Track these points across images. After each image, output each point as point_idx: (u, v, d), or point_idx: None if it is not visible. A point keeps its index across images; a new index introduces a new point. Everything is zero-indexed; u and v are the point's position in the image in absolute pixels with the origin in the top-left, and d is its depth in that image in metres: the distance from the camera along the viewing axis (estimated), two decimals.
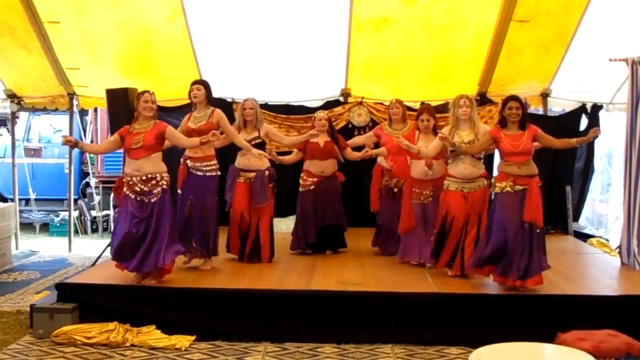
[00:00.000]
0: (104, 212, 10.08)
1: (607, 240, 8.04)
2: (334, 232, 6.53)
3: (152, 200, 5.13)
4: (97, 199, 9.98)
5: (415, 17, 7.26)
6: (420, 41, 7.54)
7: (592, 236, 8.22)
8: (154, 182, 5.14)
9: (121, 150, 8.59)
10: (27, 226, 10.19)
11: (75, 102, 8.53)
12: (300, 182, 6.48)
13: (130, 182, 5.13)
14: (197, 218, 5.69)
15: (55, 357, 4.58)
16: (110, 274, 5.49)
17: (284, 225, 7.76)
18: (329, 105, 8.21)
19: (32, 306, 5.08)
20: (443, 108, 7.48)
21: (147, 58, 7.79)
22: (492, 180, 5.25)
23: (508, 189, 5.02)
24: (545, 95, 8.31)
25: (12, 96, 8.55)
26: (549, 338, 4.27)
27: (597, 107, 8.30)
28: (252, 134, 6.04)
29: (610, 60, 6.32)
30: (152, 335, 4.86)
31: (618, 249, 6.70)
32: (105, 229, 10.07)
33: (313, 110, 7.86)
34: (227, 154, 6.42)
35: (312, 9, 7.25)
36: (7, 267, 7.54)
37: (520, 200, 4.99)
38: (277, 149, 7.00)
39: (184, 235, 5.65)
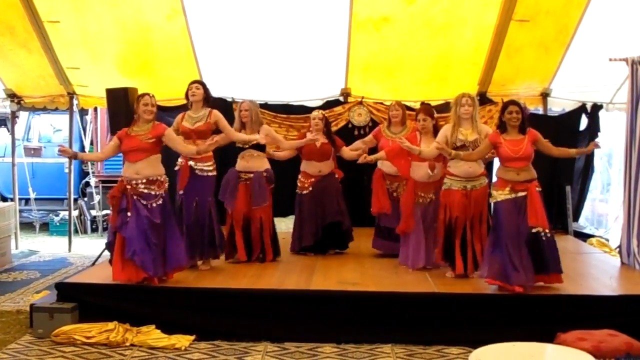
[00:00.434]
0: (104, 212, 10.05)
1: (607, 240, 8.04)
2: (336, 230, 6.49)
3: (158, 203, 5.13)
4: (97, 198, 9.98)
5: (416, 16, 7.26)
6: (420, 40, 7.53)
7: (592, 236, 8.22)
8: (157, 184, 5.14)
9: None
10: (27, 226, 10.20)
11: (75, 102, 8.53)
12: (298, 184, 6.48)
13: (134, 185, 5.10)
14: (205, 219, 5.71)
15: (55, 356, 4.58)
16: (110, 274, 5.47)
17: (284, 225, 7.76)
18: (329, 104, 8.20)
19: (32, 306, 5.08)
20: (443, 108, 7.49)
21: (147, 57, 7.78)
22: (491, 187, 5.24)
23: (507, 196, 5.02)
24: (545, 95, 8.31)
25: (12, 96, 8.55)
26: (549, 338, 4.27)
27: (597, 107, 8.31)
28: (250, 135, 6.02)
29: (610, 60, 6.32)
30: (152, 335, 4.86)
31: (618, 249, 6.70)
32: (105, 229, 10.05)
33: (313, 110, 7.86)
34: (228, 153, 6.43)
35: (312, 8, 7.25)
36: (7, 266, 7.54)
37: (520, 207, 4.99)
38: (277, 149, 7.00)
39: (196, 237, 5.69)
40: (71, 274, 6.77)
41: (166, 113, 7.21)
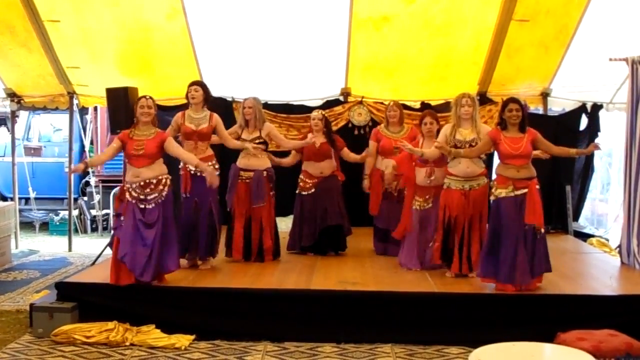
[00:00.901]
0: (104, 211, 10.07)
1: (607, 239, 8.04)
2: (335, 233, 6.47)
3: (152, 206, 5.12)
4: (97, 198, 9.98)
5: (416, 16, 7.25)
6: (420, 40, 7.53)
7: (592, 236, 8.22)
8: (152, 186, 5.13)
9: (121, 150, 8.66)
10: (27, 225, 10.19)
11: (75, 101, 8.53)
12: (301, 184, 6.45)
13: (131, 189, 5.11)
14: (203, 220, 5.71)
15: (54, 356, 4.58)
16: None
17: (284, 225, 7.75)
18: (329, 104, 8.20)
19: (31, 305, 5.08)
20: (443, 108, 7.50)
21: (147, 57, 7.78)
22: (492, 184, 5.24)
23: (510, 194, 5.01)
24: (545, 95, 8.31)
25: (12, 95, 8.55)
26: (549, 338, 4.26)
27: (597, 107, 8.30)
28: (253, 133, 6.05)
29: (610, 59, 6.32)
30: (152, 334, 4.86)
31: (618, 249, 6.70)
32: (105, 228, 10.07)
33: (313, 109, 7.85)
34: (228, 153, 6.43)
35: (312, 8, 7.24)
36: (6, 266, 7.54)
37: (520, 205, 4.99)
38: (277, 148, 7.01)
39: (191, 238, 5.71)
40: (71, 273, 6.78)
41: (166, 113, 7.19)
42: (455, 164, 5.44)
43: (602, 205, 9.56)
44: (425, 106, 8.01)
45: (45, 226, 10.31)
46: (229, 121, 6.64)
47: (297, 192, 6.49)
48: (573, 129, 8.36)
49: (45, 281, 6.76)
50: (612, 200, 9.24)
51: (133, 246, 5.03)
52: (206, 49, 7.70)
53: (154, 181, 5.13)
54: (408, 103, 8.03)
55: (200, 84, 5.91)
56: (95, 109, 9.98)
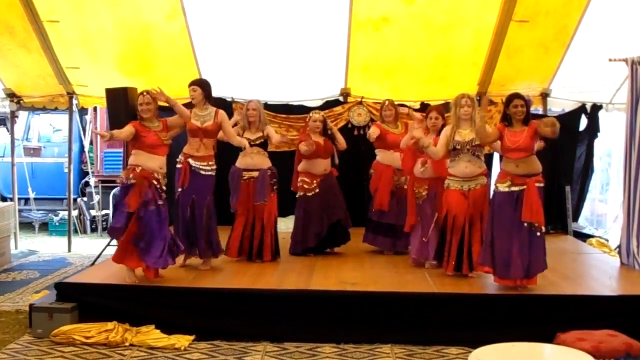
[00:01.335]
0: (104, 212, 10.06)
1: (607, 240, 8.04)
2: (337, 228, 6.50)
3: (164, 199, 5.31)
4: (96, 198, 9.97)
5: (415, 16, 7.26)
6: (420, 41, 7.54)
7: (592, 236, 8.22)
8: (165, 181, 5.34)
9: (120, 150, 8.67)
10: (26, 225, 10.18)
11: (74, 102, 8.53)
12: (304, 186, 6.40)
13: (157, 177, 5.26)
14: (202, 218, 5.72)
15: (54, 356, 4.58)
16: (110, 274, 5.49)
17: (284, 225, 7.76)
18: (329, 104, 8.20)
19: (31, 306, 5.07)
20: (443, 108, 7.48)
21: (147, 57, 7.78)
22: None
23: (505, 188, 5.05)
24: (545, 95, 8.31)
25: (11, 95, 8.54)
26: (549, 338, 4.26)
27: (596, 107, 8.31)
28: (256, 134, 6.08)
29: (610, 60, 6.32)
30: (151, 334, 4.85)
31: (617, 249, 6.70)
32: (104, 229, 10.05)
33: (313, 110, 7.85)
34: (228, 154, 6.44)
35: (312, 9, 7.24)
36: (6, 266, 7.53)
37: (516, 201, 5.00)
38: (277, 148, 7.05)
39: (190, 235, 5.72)
40: (70, 273, 6.77)
41: (166, 113, 7.19)
42: (455, 164, 5.46)
43: (602, 205, 9.57)
44: (425, 106, 8.01)
45: (44, 226, 10.30)
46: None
47: (299, 194, 6.44)
48: (573, 130, 8.36)
49: (45, 281, 6.75)
50: (611, 201, 9.24)
51: (157, 236, 5.18)
52: (206, 49, 7.70)
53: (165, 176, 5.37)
54: (408, 103, 8.01)
55: (198, 82, 5.90)
56: (95, 109, 9.97)
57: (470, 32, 7.45)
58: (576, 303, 4.97)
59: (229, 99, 8.06)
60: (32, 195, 10.01)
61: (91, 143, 10.37)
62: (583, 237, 8.12)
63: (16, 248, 8.58)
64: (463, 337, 4.75)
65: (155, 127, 5.34)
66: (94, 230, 10.21)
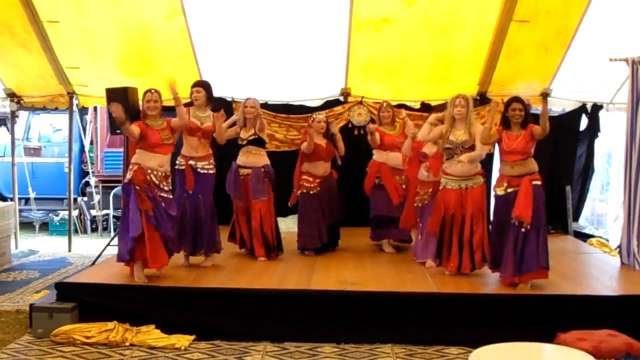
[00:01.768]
0: (104, 212, 10.06)
1: (607, 240, 8.03)
2: (334, 229, 6.67)
3: (170, 196, 5.35)
4: (96, 198, 9.96)
5: (416, 17, 7.25)
6: (420, 41, 7.53)
7: (592, 236, 8.22)
8: (169, 179, 5.36)
9: (121, 150, 8.67)
10: (26, 225, 10.17)
11: (75, 101, 8.53)
12: (306, 184, 6.46)
13: (155, 175, 5.25)
14: (206, 217, 5.81)
15: (54, 356, 4.58)
16: (110, 274, 5.50)
17: (284, 225, 7.76)
18: (329, 104, 8.20)
19: (31, 305, 5.08)
20: (443, 108, 7.47)
21: (147, 57, 7.77)
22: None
23: (502, 192, 5.19)
24: (545, 95, 8.28)
25: (11, 95, 8.54)
26: (549, 338, 4.26)
27: (597, 107, 8.30)
28: (249, 132, 6.17)
29: (611, 60, 6.33)
30: (152, 334, 4.86)
31: (618, 249, 6.70)
32: (105, 229, 10.06)
33: (313, 110, 7.87)
34: (228, 153, 6.45)
35: (312, 9, 7.24)
36: (6, 266, 7.53)
37: (512, 201, 5.08)
38: (277, 148, 7.09)
39: (196, 234, 5.82)
40: (71, 273, 6.77)
41: (165, 113, 7.19)
42: (451, 164, 5.54)
43: (602, 205, 9.56)
44: (425, 106, 8.02)
45: (45, 226, 10.29)
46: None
47: (301, 192, 6.49)
48: (573, 129, 8.36)
49: (45, 281, 6.75)
50: (612, 201, 9.23)
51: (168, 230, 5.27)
52: (206, 49, 7.70)
53: (169, 172, 5.37)
54: (408, 103, 8.03)
55: (203, 84, 6.00)
56: (95, 109, 9.97)
57: (470, 32, 7.45)
58: (576, 303, 4.97)
59: (229, 99, 8.05)
60: (32, 195, 10.00)
61: (91, 143, 10.37)
62: (583, 237, 8.12)
63: (16, 248, 8.58)
64: (463, 337, 4.75)
65: (158, 126, 5.35)
66: (94, 230, 10.21)
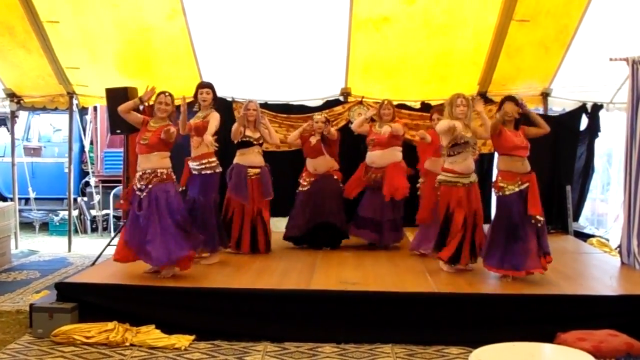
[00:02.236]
0: (104, 212, 10.06)
1: (607, 239, 8.03)
2: (328, 230, 6.70)
3: (144, 195, 5.26)
4: (96, 198, 9.96)
5: (416, 16, 7.25)
6: (420, 40, 7.53)
7: (592, 236, 8.21)
8: (147, 178, 5.27)
9: (121, 150, 8.67)
10: (26, 225, 10.18)
11: (75, 102, 8.53)
12: (300, 181, 6.77)
13: (137, 179, 5.31)
14: (211, 215, 5.91)
15: (54, 356, 4.58)
16: (110, 274, 5.49)
17: (284, 225, 7.75)
18: (329, 104, 8.20)
19: (31, 305, 5.07)
20: (443, 108, 7.48)
21: (147, 57, 7.78)
22: (497, 180, 5.39)
23: (516, 188, 5.23)
24: (545, 95, 8.31)
25: (11, 95, 8.54)
26: (549, 338, 4.26)
27: (597, 107, 8.31)
28: (256, 133, 6.33)
29: (611, 59, 6.32)
30: (152, 334, 4.85)
31: (618, 249, 6.69)
32: (105, 229, 10.06)
33: (313, 109, 7.89)
34: (228, 153, 6.46)
35: (312, 8, 7.24)
36: (6, 266, 7.53)
37: (525, 197, 5.18)
38: (277, 148, 7.13)
39: (206, 233, 5.85)
40: (71, 273, 6.77)
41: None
42: (461, 160, 5.55)
43: (602, 205, 9.55)
44: (425, 106, 8.02)
45: (45, 226, 10.30)
46: (229, 121, 6.68)
47: (299, 188, 6.79)
48: (573, 129, 8.36)
49: (45, 281, 6.75)
50: (612, 200, 9.22)
51: (131, 232, 5.27)
52: (206, 49, 7.70)
53: (153, 172, 5.27)
54: (408, 103, 8.04)
55: (211, 86, 6.10)
56: (95, 109, 9.98)
57: (470, 31, 7.45)
58: (577, 303, 4.96)
59: (229, 99, 8.05)
60: (32, 195, 10.01)
61: (91, 143, 10.37)
62: (584, 236, 8.12)
63: (16, 248, 8.58)
64: (463, 337, 4.75)
65: (151, 127, 5.36)
66: (94, 230, 10.21)
